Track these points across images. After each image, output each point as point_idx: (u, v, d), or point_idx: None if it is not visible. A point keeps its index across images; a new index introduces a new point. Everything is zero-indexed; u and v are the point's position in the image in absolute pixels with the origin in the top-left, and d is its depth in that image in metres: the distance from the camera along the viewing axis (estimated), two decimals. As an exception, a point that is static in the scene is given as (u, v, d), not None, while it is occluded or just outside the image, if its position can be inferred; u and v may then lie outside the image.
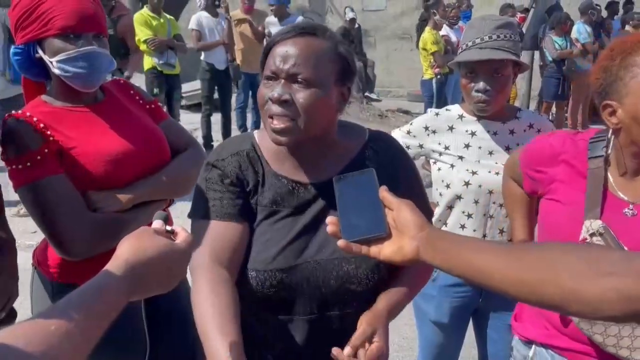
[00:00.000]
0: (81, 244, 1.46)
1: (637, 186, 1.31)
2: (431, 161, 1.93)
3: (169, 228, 0.96)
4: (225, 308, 1.09)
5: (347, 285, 1.20)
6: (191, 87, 8.83)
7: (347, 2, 11.19)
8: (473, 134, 1.85)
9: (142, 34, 5.79)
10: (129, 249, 0.87)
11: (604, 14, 9.65)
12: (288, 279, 1.18)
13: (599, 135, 1.37)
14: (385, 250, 0.95)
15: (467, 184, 1.82)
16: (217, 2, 6.73)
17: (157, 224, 0.95)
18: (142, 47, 5.77)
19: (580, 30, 8.18)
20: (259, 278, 1.18)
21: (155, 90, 5.92)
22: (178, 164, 1.67)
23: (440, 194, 1.89)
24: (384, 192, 0.98)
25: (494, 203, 1.83)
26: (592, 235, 1.27)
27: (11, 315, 1.63)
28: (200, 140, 6.30)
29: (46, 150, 1.46)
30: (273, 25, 6.70)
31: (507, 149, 1.83)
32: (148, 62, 6.01)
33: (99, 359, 0.91)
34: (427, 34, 7.24)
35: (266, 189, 1.24)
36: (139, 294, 0.87)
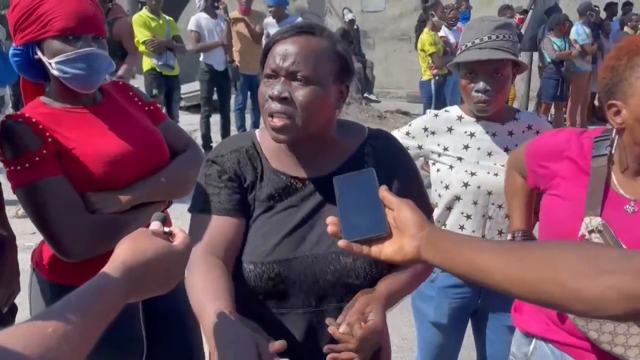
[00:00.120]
0: (80, 245, 1.46)
1: (639, 184, 1.32)
2: (430, 162, 1.93)
3: (166, 229, 0.96)
4: (219, 286, 1.11)
5: (344, 279, 1.21)
6: (190, 88, 8.85)
7: (345, 4, 11.20)
8: (472, 135, 1.85)
9: (141, 35, 5.78)
10: (126, 251, 0.87)
11: (603, 15, 9.67)
12: (286, 272, 1.20)
13: (604, 134, 1.38)
14: (386, 250, 0.95)
15: (466, 185, 1.83)
16: (216, 4, 6.73)
17: (155, 225, 0.95)
18: (141, 48, 5.77)
19: (579, 32, 8.19)
20: (257, 271, 1.20)
21: (154, 92, 5.92)
22: (177, 165, 1.67)
23: (439, 195, 1.89)
24: (384, 192, 0.98)
25: (492, 204, 1.83)
26: (590, 232, 1.27)
27: (12, 311, 1.63)
28: (199, 141, 6.30)
29: (45, 152, 1.46)
30: (271, 27, 6.70)
31: (506, 150, 1.83)
32: (147, 63, 6.01)
33: (97, 361, 0.91)
34: (425, 35, 7.24)
35: (265, 185, 1.26)
36: (136, 295, 0.87)
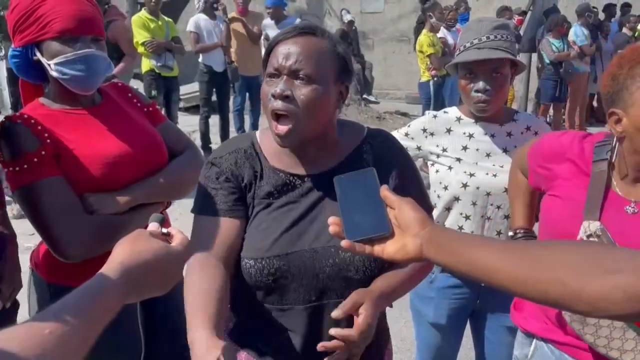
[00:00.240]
0: (78, 246, 1.46)
1: (638, 189, 1.32)
2: (429, 163, 1.94)
3: (164, 230, 0.96)
4: (210, 294, 1.11)
5: (344, 272, 1.23)
6: (189, 89, 8.84)
7: (344, 5, 11.21)
8: (471, 136, 1.86)
9: (140, 36, 5.78)
10: (124, 252, 0.87)
11: (601, 16, 9.67)
12: (285, 266, 1.21)
13: (606, 139, 1.39)
14: (389, 249, 0.95)
15: (464, 185, 1.83)
16: (215, 5, 6.73)
17: (152, 226, 0.95)
18: (140, 49, 5.77)
19: (578, 33, 8.19)
20: (257, 267, 1.21)
21: (153, 93, 5.91)
22: (175, 166, 1.67)
23: (438, 196, 1.89)
24: (385, 191, 0.98)
25: (491, 205, 1.83)
26: (589, 236, 1.27)
27: (15, 306, 1.63)
28: (198, 142, 6.31)
29: (43, 153, 1.46)
30: (270, 28, 6.71)
31: (505, 151, 1.83)
32: (146, 64, 6.00)
33: (95, 362, 0.91)
34: (424, 36, 7.24)
35: (264, 183, 1.28)
36: (134, 296, 0.87)
